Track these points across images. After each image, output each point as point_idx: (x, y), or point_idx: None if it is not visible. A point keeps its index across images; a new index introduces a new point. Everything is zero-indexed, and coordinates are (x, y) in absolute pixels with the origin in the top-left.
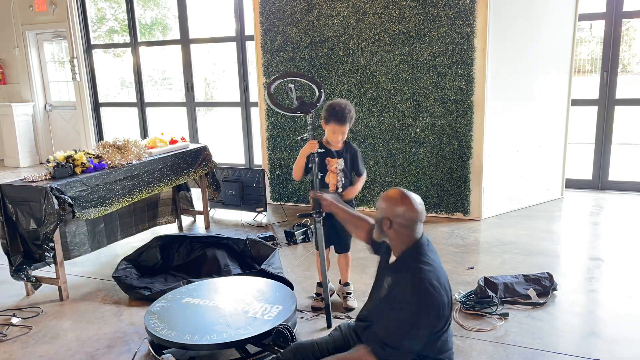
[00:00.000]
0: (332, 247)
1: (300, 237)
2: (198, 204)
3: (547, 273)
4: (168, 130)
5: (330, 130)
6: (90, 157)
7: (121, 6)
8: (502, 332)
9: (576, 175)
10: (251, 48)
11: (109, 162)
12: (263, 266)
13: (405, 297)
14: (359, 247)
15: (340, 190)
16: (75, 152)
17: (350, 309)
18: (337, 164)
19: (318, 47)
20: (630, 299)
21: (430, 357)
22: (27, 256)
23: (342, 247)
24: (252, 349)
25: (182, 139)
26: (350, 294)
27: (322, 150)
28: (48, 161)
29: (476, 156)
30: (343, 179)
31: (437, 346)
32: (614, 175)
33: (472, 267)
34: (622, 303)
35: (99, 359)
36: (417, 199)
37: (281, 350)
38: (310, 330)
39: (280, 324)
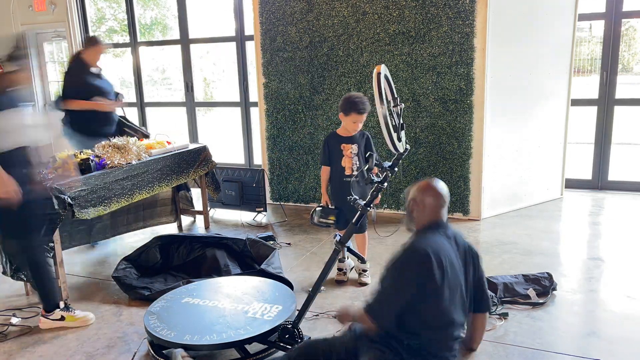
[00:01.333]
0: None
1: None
2: (198, 204)
3: (547, 273)
4: (168, 130)
5: (351, 121)
6: (90, 156)
7: (121, 6)
8: (502, 332)
9: (576, 175)
10: (251, 48)
11: (108, 162)
12: (263, 266)
13: (389, 263)
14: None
15: (355, 172)
16: (80, 152)
17: (364, 284)
18: (351, 149)
19: (318, 47)
20: (630, 299)
21: (421, 334)
22: None
23: (359, 228)
24: (251, 349)
25: (168, 142)
26: (365, 271)
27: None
28: (55, 160)
29: (476, 156)
30: (357, 162)
31: (427, 319)
32: (613, 175)
33: None
34: (622, 303)
35: (98, 359)
36: (440, 184)
37: (288, 347)
38: (310, 329)
39: (285, 321)
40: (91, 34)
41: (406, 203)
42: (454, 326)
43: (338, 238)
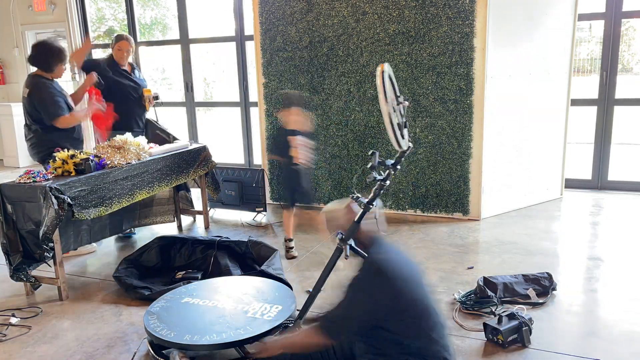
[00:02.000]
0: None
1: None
2: (198, 204)
3: (547, 273)
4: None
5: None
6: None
7: (121, 6)
8: None
9: (575, 175)
10: (251, 48)
11: (108, 162)
12: (263, 267)
13: (351, 279)
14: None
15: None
16: (80, 152)
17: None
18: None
19: (317, 47)
20: (630, 299)
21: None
22: (27, 256)
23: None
24: (251, 348)
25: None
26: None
27: None
28: (54, 160)
29: (475, 156)
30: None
31: (412, 327)
32: (613, 175)
33: (472, 267)
34: (622, 303)
35: (98, 358)
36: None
37: None
38: None
39: (287, 320)
40: (91, 33)
41: (331, 227)
42: (438, 325)
43: (340, 236)
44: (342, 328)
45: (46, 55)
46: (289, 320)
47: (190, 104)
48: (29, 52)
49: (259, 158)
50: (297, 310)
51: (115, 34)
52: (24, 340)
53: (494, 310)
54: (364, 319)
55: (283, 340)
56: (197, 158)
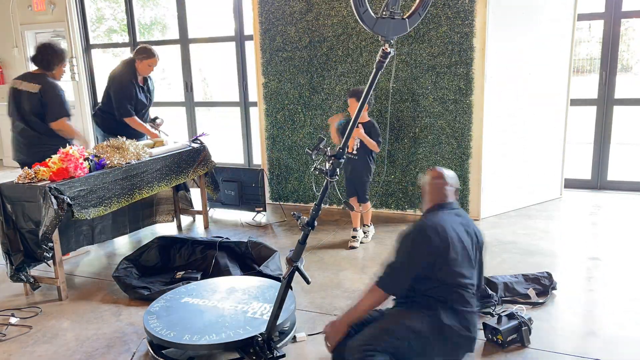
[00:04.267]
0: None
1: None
2: (197, 204)
3: (547, 272)
4: (167, 130)
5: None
6: (90, 156)
7: (120, 6)
8: None
9: (575, 175)
10: (250, 48)
11: (108, 162)
12: (262, 267)
13: (400, 237)
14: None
15: (355, 152)
16: None
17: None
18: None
19: (317, 46)
20: (630, 299)
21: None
22: (28, 255)
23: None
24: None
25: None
26: (355, 237)
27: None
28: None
29: (475, 156)
30: (359, 143)
31: (439, 285)
32: (612, 175)
33: None
34: (621, 303)
35: (97, 358)
36: (444, 169)
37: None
38: (310, 329)
39: (260, 333)
40: (90, 33)
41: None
42: (466, 284)
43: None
44: (398, 282)
45: (49, 56)
46: (258, 335)
47: (189, 103)
48: (28, 51)
49: (259, 158)
50: (297, 309)
51: (143, 46)
52: (23, 340)
53: (493, 310)
54: (413, 269)
55: (347, 316)
56: (197, 158)
